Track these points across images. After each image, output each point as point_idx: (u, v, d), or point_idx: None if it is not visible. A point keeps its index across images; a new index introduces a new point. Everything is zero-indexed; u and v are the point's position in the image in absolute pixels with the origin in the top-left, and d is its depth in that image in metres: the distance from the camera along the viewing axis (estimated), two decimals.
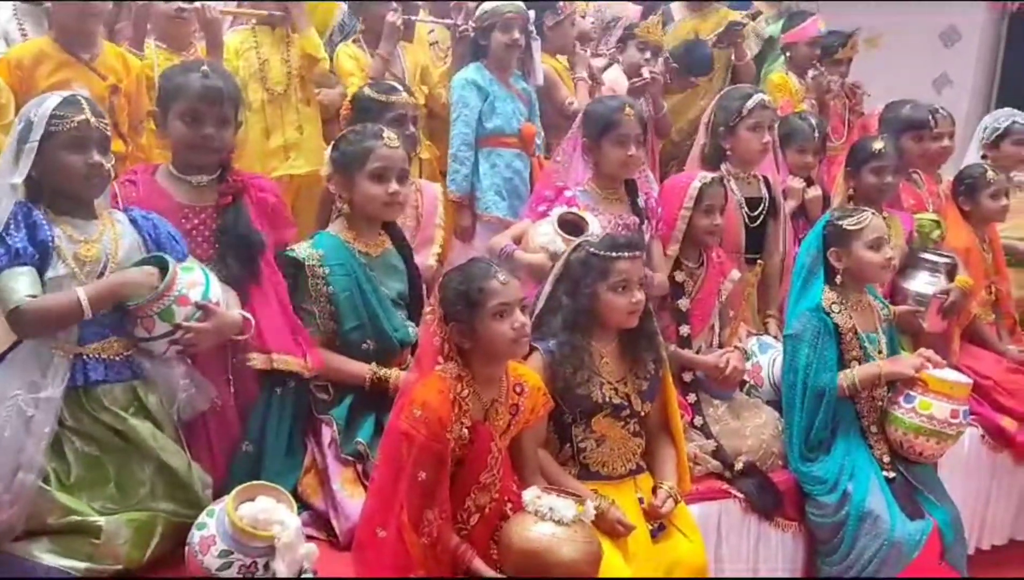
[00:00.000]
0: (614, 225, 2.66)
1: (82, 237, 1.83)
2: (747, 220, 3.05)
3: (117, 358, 1.85)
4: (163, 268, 1.86)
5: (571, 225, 2.52)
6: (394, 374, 2.16)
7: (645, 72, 3.53)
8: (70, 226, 1.83)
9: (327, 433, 2.13)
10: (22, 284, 1.73)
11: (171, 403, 1.91)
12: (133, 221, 1.93)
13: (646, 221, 2.73)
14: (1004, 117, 3.72)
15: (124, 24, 2.91)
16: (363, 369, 2.16)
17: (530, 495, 1.86)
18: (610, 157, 2.68)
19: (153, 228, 1.94)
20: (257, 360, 2.04)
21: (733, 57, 4.05)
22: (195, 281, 1.88)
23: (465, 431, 1.88)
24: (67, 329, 1.78)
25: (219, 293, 1.91)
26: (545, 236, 2.49)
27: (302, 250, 2.17)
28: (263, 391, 2.11)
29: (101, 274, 1.83)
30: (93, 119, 1.83)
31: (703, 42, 3.89)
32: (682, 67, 3.81)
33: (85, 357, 1.81)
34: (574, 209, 2.59)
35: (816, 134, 3.34)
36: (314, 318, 2.16)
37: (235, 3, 3.21)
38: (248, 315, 2.00)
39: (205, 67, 2.10)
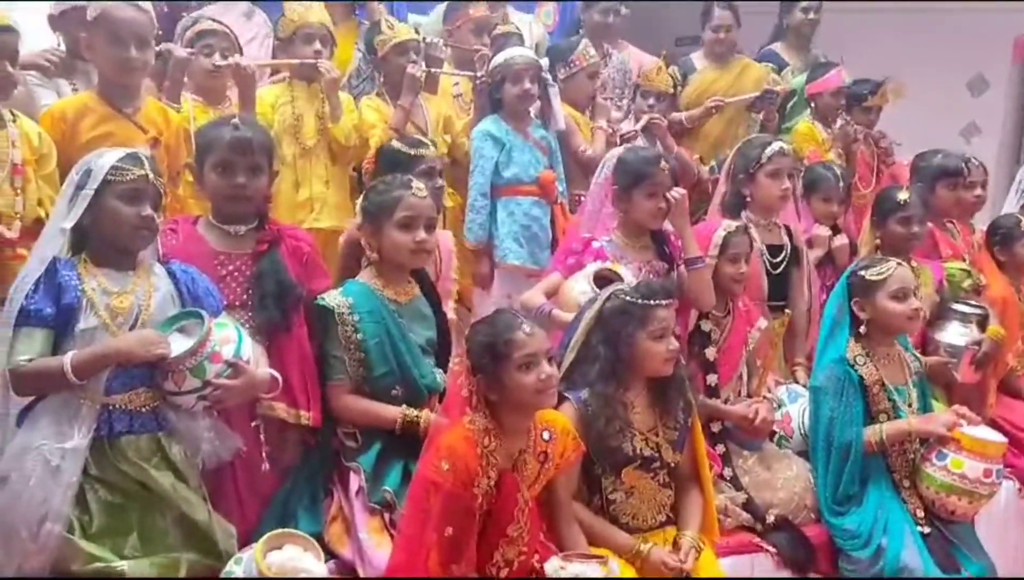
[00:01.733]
0: (644, 272, 2.67)
1: (116, 289, 1.87)
2: (769, 267, 3.04)
3: (143, 409, 1.86)
4: (197, 321, 1.89)
5: (606, 281, 2.52)
6: (424, 416, 2.17)
7: (643, 119, 3.60)
8: (105, 278, 1.87)
9: (355, 481, 2.13)
10: (27, 345, 1.78)
11: (195, 454, 1.92)
12: (171, 274, 1.97)
13: (674, 264, 2.73)
14: None
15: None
16: (394, 412, 2.17)
17: (552, 566, 1.84)
18: (641, 208, 2.70)
19: (191, 281, 1.97)
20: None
21: (761, 117, 4.10)
22: (228, 338, 1.90)
23: (492, 483, 1.87)
24: (73, 388, 1.79)
25: (250, 351, 1.94)
26: (582, 294, 2.49)
27: (332, 298, 2.20)
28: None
29: (133, 325, 1.86)
30: (151, 175, 1.89)
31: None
32: None
33: (111, 408, 1.83)
34: (607, 264, 2.61)
35: (841, 183, 3.34)
36: (344, 365, 2.18)
37: (269, 57, 3.30)
38: (276, 374, 2.02)
39: (236, 120, 2.18)
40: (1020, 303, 3.28)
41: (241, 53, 3.10)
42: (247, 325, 2.09)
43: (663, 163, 2.70)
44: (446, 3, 3.88)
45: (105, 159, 1.87)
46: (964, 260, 3.38)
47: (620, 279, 2.51)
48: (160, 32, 3.08)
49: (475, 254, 3.34)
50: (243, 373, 1.90)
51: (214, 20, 3.09)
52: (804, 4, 4.42)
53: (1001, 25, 4.39)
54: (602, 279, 2.53)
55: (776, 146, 3.06)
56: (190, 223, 2.21)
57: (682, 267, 2.67)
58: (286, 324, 2.13)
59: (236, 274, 2.15)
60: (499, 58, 3.36)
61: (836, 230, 3.34)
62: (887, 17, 5.57)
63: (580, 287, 2.54)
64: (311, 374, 2.17)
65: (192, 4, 3.40)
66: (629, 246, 2.73)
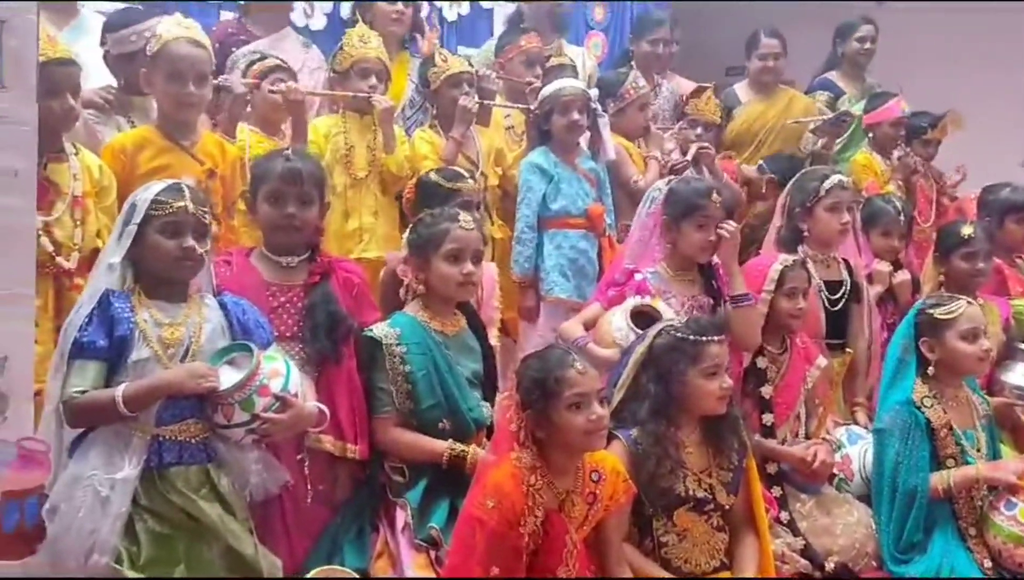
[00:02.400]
0: (688, 307, 2.61)
1: (167, 320, 1.88)
2: (827, 304, 2.95)
3: (193, 440, 1.87)
4: (247, 354, 1.89)
5: (645, 317, 2.48)
6: (472, 451, 2.14)
7: (692, 149, 3.54)
8: (157, 309, 1.88)
9: (401, 517, 2.11)
10: (80, 378, 1.80)
11: (243, 486, 1.92)
12: (223, 305, 1.98)
13: (721, 298, 2.66)
14: None
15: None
16: (440, 446, 2.15)
17: None
18: (689, 239, 2.64)
19: (242, 313, 1.98)
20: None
21: (820, 145, 4.00)
22: (277, 371, 1.90)
23: (539, 523, 1.82)
24: (125, 419, 1.80)
25: (298, 385, 1.93)
26: (619, 331, 2.46)
27: (380, 330, 2.19)
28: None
29: (184, 357, 1.87)
30: (192, 206, 1.90)
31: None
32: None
33: (161, 438, 1.84)
34: (646, 300, 2.55)
35: (901, 216, 3.25)
36: (391, 397, 2.17)
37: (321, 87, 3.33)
38: (324, 408, 2.02)
39: (288, 151, 2.21)
40: None
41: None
42: (297, 357, 2.10)
43: (715, 195, 2.65)
44: (498, 35, 3.92)
45: (147, 193, 1.90)
46: None
47: (659, 315, 2.46)
48: (214, 69, 3.18)
49: (521, 287, 3.32)
50: (291, 407, 1.90)
51: (277, 57, 3.15)
52: (860, 34, 4.36)
53: None
54: (640, 315, 2.48)
55: (836, 179, 2.99)
56: (243, 255, 2.24)
57: (728, 304, 2.61)
58: (336, 356, 2.14)
59: (288, 306, 2.16)
60: (547, 89, 3.36)
61: (897, 265, 3.24)
62: (941, 44, 5.46)
63: (617, 323, 2.49)
64: (360, 407, 2.16)
65: (242, 38, 3.46)
66: (675, 279, 2.68)
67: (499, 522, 1.77)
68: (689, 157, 3.56)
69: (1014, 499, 2.36)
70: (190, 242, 1.89)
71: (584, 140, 3.43)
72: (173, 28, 2.56)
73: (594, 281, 3.27)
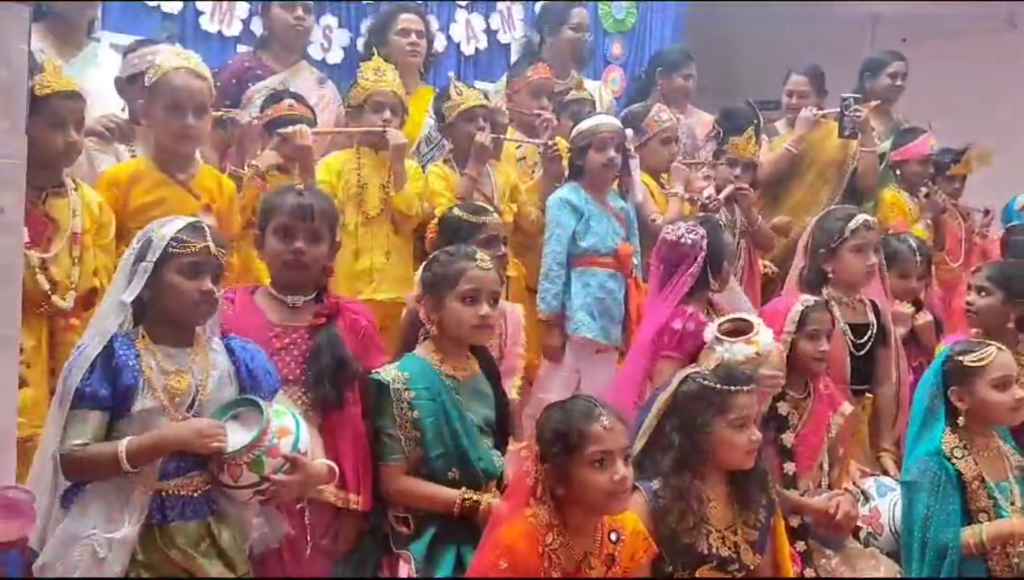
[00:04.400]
0: None
1: (174, 367, 1.80)
2: (852, 348, 2.86)
3: (196, 494, 1.79)
4: (254, 410, 1.82)
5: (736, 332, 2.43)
6: (485, 500, 2.05)
7: (728, 189, 3.50)
8: (163, 355, 1.80)
9: (404, 570, 2.02)
10: (80, 429, 1.71)
11: (244, 539, 1.84)
12: (230, 350, 1.90)
13: None
14: None
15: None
16: (453, 495, 2.06)
17: None
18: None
19: (251, 359, 1.90)
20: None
21: (859, 144, 3.90)
22: (286, 429, 1.81)
23: None
24: (127, 475, 1.72)
25: (307, 443, 1.84)
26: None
27: (388, 372, 2.11)
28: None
29: (190, 406, 1.79)
30: (214, 247, 1.83)
31: None
32: None
33: (164, 494, 1.76)
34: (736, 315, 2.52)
35: (918, 256, 3.17)
36: (400, 444, 2.08)
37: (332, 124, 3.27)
38: (333, 465, 1.94)
39: (300, 186, 2.15)
40: None
41: (316, 122, 3.11)
42: (300, 402, 2.02)
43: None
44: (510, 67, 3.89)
45: (166, 229, 1.80)
46: None
47: (750, 327, 2.41)
48: (228, 103, 3.16)
49: (546, 325, 3.23)
50: (301, 468, 1.81)
51: (293, 95, 3.10)
52: (892, 70, 4.29)
53: None
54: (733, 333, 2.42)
55: (861, 219, 2.91)
56: (247, 293, 2.16)
57: None
58: (341, 402, 2.06)
59: (292, 348, 2.08)
60: (584, 125, 3.30)
61: (918, 306, 3.15)
62: (967, 79, 5.40)
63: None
64: (363, 455, 2.08)
65: (258, 72, 3.42)
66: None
67: None
68: (723, 197, 3.49)
69: None
70: (209, 285, 1.80)
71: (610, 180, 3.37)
72: (172, 58, 2.50)
73: (619, 322, 3.24)
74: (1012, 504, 2.36)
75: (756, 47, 5.92)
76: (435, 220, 2.68)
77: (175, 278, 1.78)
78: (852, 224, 2.89)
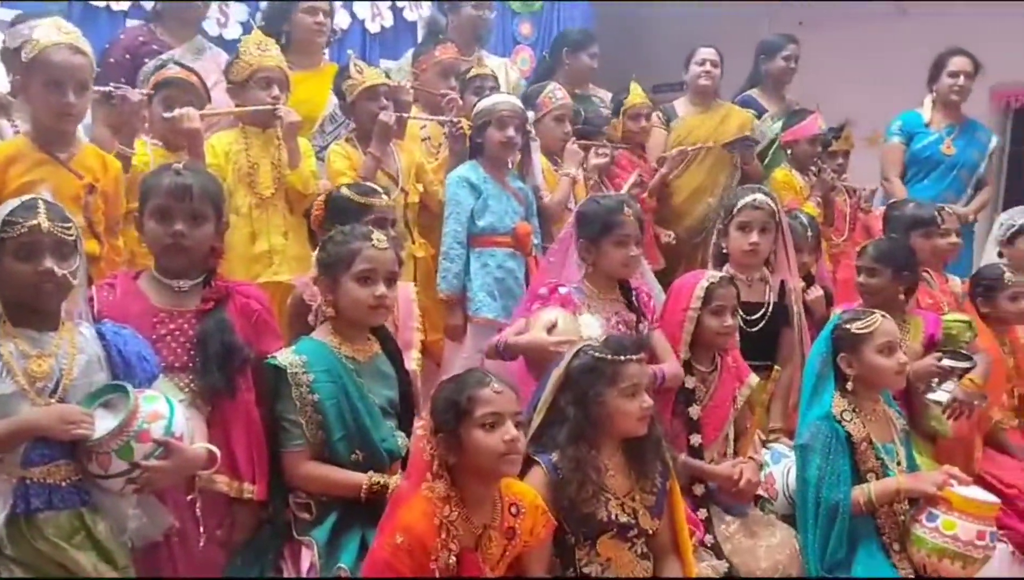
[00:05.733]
0: (614, 324, 2.55)
1: (35, 351, 1.71)
2: (744, 325, 2.92)
3: (64, 484, 1.71)
4: (124, 396, 1.74)
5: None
6: (393, 481, 2.02)
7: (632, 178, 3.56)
8: (24, 339, 1.71)
9: (306, 557, 1.97)
10: None
11: (121, 531, 1.76)
12: (100, 335, 1.81)
13: (642, 318, 2.63)
14: (1019, 214, 3.69)
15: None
16: (359, 478, 2.03)
17: None
18: (610, 258, 2.59)
19: (123, 343, 1.82)
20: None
21: (739, 160, 4.06)
22: (158, 413, 1.74)
23: (453, 559, 1.72)
24: None
25: (183, 426, 1.79)
26: (588, 329, 2.39)
27: (285, 357, 2.05)
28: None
29: (54, 391, 1.70)
30: (47, 223, 1.72)
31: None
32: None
33: (28, 482, 1.67)
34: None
35: (809, 233, 3.27)
36: (300, 429, 2.03)
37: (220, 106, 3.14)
38: (214, 449, 1.88)
39: (178, 165, 2.05)
40: (1005, 356, 3.19)
41: (210, 100, 2.99)
42: (188, 390, 1.96)
43: (627, 209, 2.60)
44: (417, 45, 3.84)
45: (1, 211, 1.71)
46: (943, 310, 3.30)
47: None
48: (123, 79, 3.01)
49: (448, 305, 3.22)
50: (175, 452, 1.75)
51: (181, 66, 2.98)
52: (786, 53, 4.42)
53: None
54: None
55: (749, 198, 2.98)
56: (130, 278, 2.07)
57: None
58: (231, 389, 1.99)
59: (178, 333, 2.00)
60: (486, 103, 3.28)
61: (809, 281, 3.24)
62: (860, 63, 5.62)
63: (547, 315, 2.40)
64: (258, 443, 2.02)
65: (153, 47, 3.29)
66: (598, 296, 2.62)
67: (410, 564, 1.68)
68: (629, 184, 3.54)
69: (935, 511, 2.35)
70: (46, 264, 1.70)
71: (511, 159, 3.36)
72: (51, 33, 2.35)
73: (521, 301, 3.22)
74: (898, 464, 2.48)
75: (662, 29, 6.03)
76: (321, 198, 2.60)
77: (9, 261, 1.70)
78: (740, 203, 2.97)
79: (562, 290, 2.58)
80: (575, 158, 3.57)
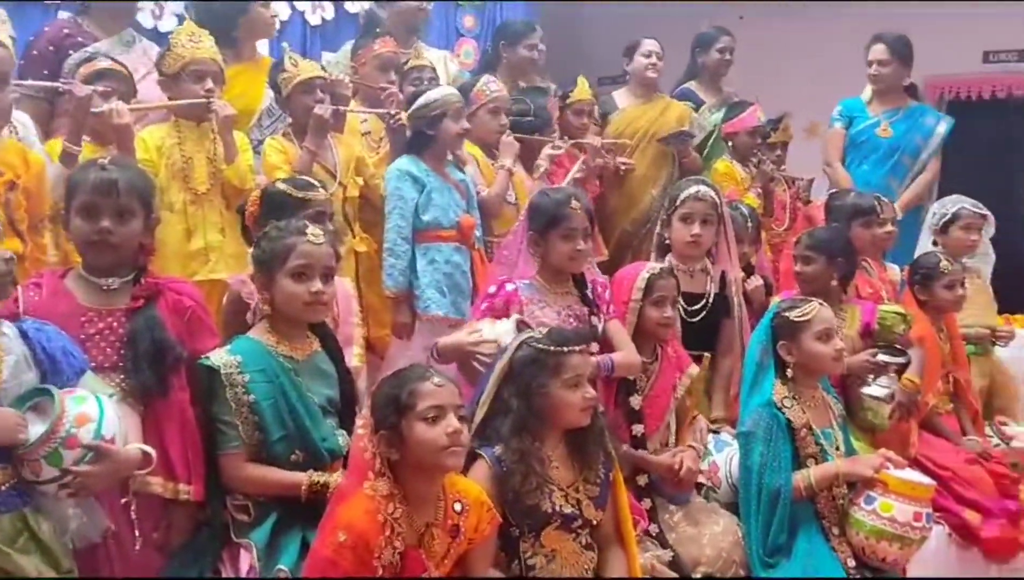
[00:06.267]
0: (565, 317, 2.55)
1: None
2: (685, 315, 2.95)
3: (3, 487, 1.65)
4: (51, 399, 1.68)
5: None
6: (334, 479, 1.99)
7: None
8: None
9: (245, 559, 1.93)
10: None
11: (63, 532, 1.71)
12: (23, 334, 1.74)
13: (596, 310, 2.61)
14: (952, 203, 3.76)
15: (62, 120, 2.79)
16: (299, 478, 1.99)
17: None
18: (558, 251, 2.57)
19: (47, 340, 1.76)
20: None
21: (676, 154, 4.10)
22: (86, 416, 1.69)
23: (396, 557, 1.70)
24: None
25: (114, 426, 1.73)
26: (508, 335, 2.34)
27: (218, 357, 2.00)
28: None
29: None
30: None
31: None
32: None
33: None
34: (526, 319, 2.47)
35: (750, 224, 3.31)
36: (237, 431, 1.99)
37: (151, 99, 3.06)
38: (148, 449, 1.83)
39: (104, 160, 2.00)
40: (940, 343, 3.27)
41: (136, 92, 2.91)
42: (119, 389, 1.90)
43: (575, 202, 2.58)
44: (355, 39, 3.78)
45: None
46: (883, 298, 3.37)
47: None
48: (46, 72, 2.90)
49: (395, 302, 3.17)
50: (107, 456, 1.70)
51: (111, 59, 2.89)
52: (720, 45, 4.47)
53: (914, 66, 4.58)
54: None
55: (692, 189, 3.00)
56: (57, 277, 2.00)
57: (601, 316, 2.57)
58: (163, 389, 1.94)
59: (107, 332, 1.95)
60: (434, 94, 3.22)
61: (749, 271, 3.29)
62: (798, 55, 5.73)
63: (504, 327, 2.38)
64: (193, 444, 1.97)
65: (79, 40, 3.18)
66: (549, 291, 2.60)
67: (352, 562, 1.65)
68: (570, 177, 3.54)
69: (872, 494, 2.39)
70: None
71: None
72: None
73: (469, 296, 3.19)
74: (836, 449, 2.52)
75: (603, 24, 6.06)
76: (255, 194, 2.53)
77: None
78: (683, 194, 2.99)
79: (509, 287, 2.57)
80: (511, 151, 3.53)
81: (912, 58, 4.44)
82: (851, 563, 2.41)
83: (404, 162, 3.21)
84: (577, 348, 2.06)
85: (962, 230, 3.66)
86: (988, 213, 3.69)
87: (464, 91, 3.51)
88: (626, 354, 2.53)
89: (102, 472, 1.70)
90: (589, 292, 2.63)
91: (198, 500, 1.97)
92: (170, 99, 2.91)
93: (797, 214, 4.11)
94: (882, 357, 2.98)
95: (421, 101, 3.21)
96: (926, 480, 2.46)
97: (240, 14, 3.33)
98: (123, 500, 1.86)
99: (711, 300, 3.02)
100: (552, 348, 2.04)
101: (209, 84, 2.87)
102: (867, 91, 4.53)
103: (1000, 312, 3.92)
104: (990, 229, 3.78)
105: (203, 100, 2.83)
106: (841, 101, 4.58)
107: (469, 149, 3.47)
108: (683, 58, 4.63)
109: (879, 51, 4.40)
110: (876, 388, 2.99)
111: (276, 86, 3.19)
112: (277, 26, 3.49)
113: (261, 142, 3.20)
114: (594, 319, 2.58)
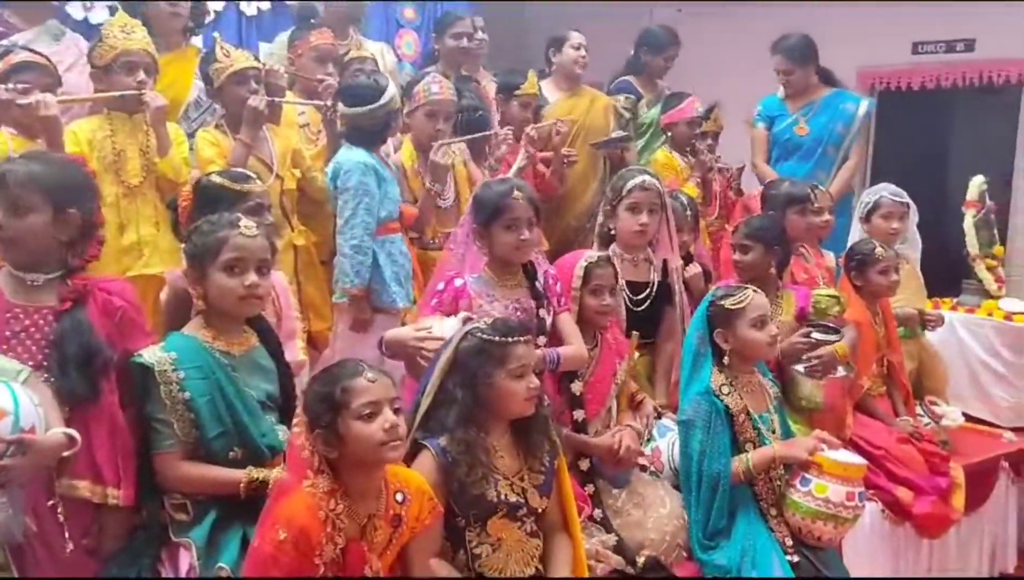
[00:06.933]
0: (511, 310, 2.55)
1: None
2: (630, 303, 2.99)
3: None
4: None
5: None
6: (273, 475, 1.96)
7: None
8: None
9: (185, 559, 1.91)
10: None
11: None
12: None
13: (546, 302, 2.62)
14: (874, 192, 3.84)
15: None
16: (237, 475, 1.96)
17: None
18: (502, 242, 2.56)
19: None
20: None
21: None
22: (2, 410, 1.64)
23: (338, 552, 1.69)
24: None
25: (32, 415, 1.68)
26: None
27: (151, 354, 1.96)
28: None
29: None
30: None
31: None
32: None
33: None
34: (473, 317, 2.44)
35: (689, 213, 3.36)
36: (172, 429, 1.95)
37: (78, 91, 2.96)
38: (72, 432, 1.77)
39: (14, 154, 1.94)
40: (875, 327, 3.35)
41: (61, 84, 2.81)
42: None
43: (517, 192, 2.57)
44: (291, 30, 3.71)
45: None
46: (819, 284, 3.45)
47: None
48: None
49: (355, 300, 3.07)
50: (30, 447, 1.65)
51: (31, 51, 2.79)
52: (668, 53, 4.53)
53: (845, 57, 4.66)
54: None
55: (639, 179, 3.03)
56: None
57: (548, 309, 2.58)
58: (92, 393, 1.89)
59: (33, 330, 1.89)
60: (393, 88, 3.16)
61: (688, 259, 3.34)
62: (732, 48, 5.81)
63: (450, 325, 2.36)
64: (124, 447, 1.92)
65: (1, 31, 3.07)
66: (498, 284, 2.59)
67: (294, 559, 1.63)
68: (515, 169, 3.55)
69: (808, 475, 2.46)
70: None
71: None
72: None
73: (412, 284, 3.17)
74: (773, 432, 2.58)
75: (544, 15, 6.07)
76: (188, 187, 2.47)
77: None
78: (629, 184, 3.02)
79: (457, 282, 2.56)
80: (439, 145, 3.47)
81: (815, 55, 4.44)
82: (788, 542, 2.47)
83: (363, 156, 3.10)
84: (522, 338, 2.07)
85: (882, 218, 3.72)
86: (909, 201, 3.76)
87: (409, 87, 3.44)
88: (574, 349, 2.55)
89: (27, 464, 1.66)
90: (540, 284, 2.64)
91: (128, 504, 1.92)
92: (102, 91, 2.83)
93: (728, 202, 4.18)
94: (816, 335, 3.05)
95: (387, 96, 3.12)
96: (858, 460, 2.53)
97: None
98: (49, 503, 1.80)
99: (655, 288, 3.06)
100: (497, 338, 2.05)
101: (141, 76, 2.80)
102: (782, 88, 4.58)
103: (929, 296, 4.04)
104: (914, 217, 3.85)
105: (135, 91, 2.76)
106: (761, 100, 4.64)
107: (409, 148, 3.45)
108: (621, 49, 4.66)
109: (778, 62, 4.44)
110: (807, 363, 3.06)
111: (207, 77, 3.11)
112: (183, 16, 3.35)
113: (190, 135, 3.11)
114: (542, 312, 2.59)
